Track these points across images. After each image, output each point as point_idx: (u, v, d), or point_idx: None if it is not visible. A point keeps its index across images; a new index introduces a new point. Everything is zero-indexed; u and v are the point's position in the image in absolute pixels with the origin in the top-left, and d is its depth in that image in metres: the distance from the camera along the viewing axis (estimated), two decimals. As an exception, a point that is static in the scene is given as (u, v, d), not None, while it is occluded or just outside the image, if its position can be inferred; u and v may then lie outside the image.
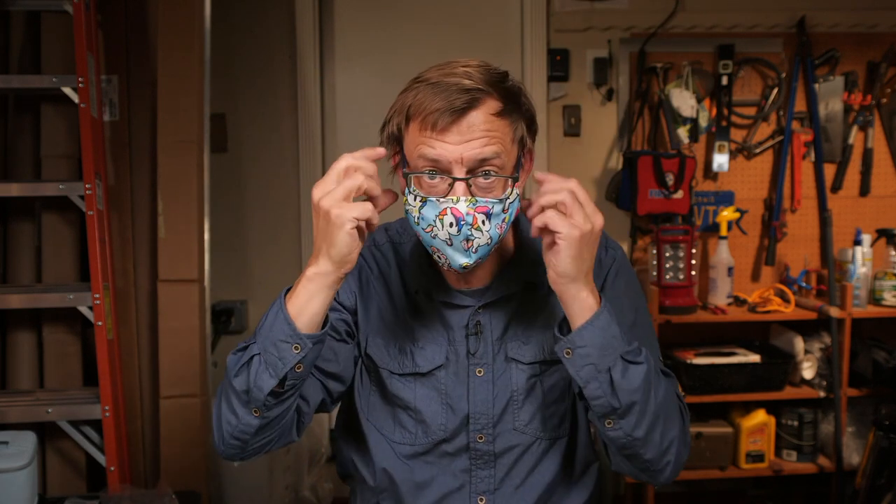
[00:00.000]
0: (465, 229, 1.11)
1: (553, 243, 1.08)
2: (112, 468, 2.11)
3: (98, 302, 2.10)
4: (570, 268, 1.08)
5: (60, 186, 2.13)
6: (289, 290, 1.13)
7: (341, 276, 1.10)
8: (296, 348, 1.10)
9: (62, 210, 2.32)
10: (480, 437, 1.26)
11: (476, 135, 1.11)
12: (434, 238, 1.13)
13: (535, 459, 1.28)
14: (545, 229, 1.09)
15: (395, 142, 1.19)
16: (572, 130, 3.13)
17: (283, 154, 3.11)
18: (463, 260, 1.13)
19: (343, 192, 1.07)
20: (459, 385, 1.26)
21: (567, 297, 1.10)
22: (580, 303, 1.09)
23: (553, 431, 1.28)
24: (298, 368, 1.11)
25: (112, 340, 2.16)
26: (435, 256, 1.17)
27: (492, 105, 1.12)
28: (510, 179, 1.15)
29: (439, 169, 1.12)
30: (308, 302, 1.10)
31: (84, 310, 2.14)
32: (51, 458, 2.32)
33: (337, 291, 1.14)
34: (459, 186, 1.11)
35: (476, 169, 1.12)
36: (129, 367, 2.41)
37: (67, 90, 2.13)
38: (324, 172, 1.08)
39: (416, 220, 1.15)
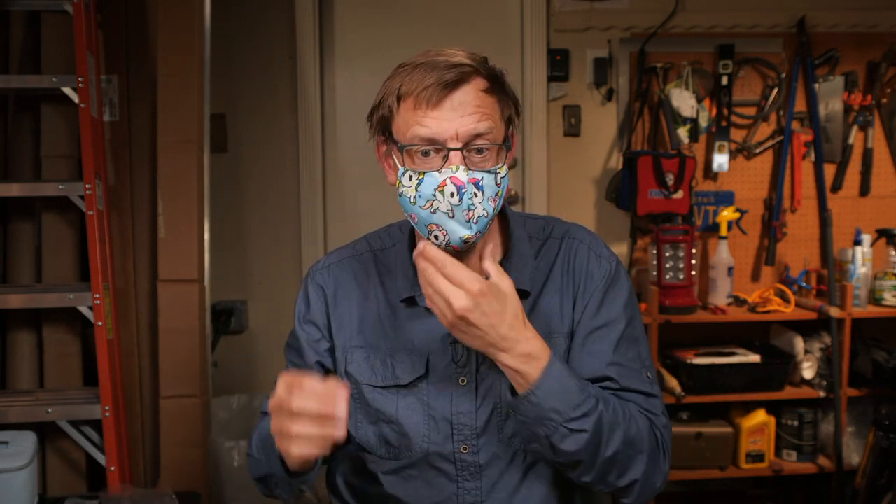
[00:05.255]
0: (465, 198, 1.12)
1: None
2: (112, 468, 2.10)
3: (98, 302, 2.10)
4: (471, 343, 1.10)
5: (60, 186, 2.13)
6: None
7: None
8: (293, 485, 1.24)
9: (62, 210, 2.32)
10: (465, 448, 1.23)
11: (469, 110, 1.13)
12: (434, 213, 1.13)
13: (522, 472, 1.24)
14: None
15: (384, 126, 1.19)
16: (572, 130, 3.13)
17: (283, 154, 3.11)
18: (464, 232, 1.13)
19: (296, 429, 1.03)
20: (442, 395, 1.24)
21: (498, 365, 1.12)
22: (508, 372, 1.11)
23: None
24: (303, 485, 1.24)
25: (112, 340, 2.16)
26: (432, 236, 1.16)
27: (480, 82, 1.15)
28: (504, 149, 1.17)
29: (434, 145, 1.14)
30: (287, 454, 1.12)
31: (84, 310, 2.14)
32: (51, 458, 2.32)
33: (306, 331, 1.32)
34: (456, 157, 1.12)
35: (470, 143, 1.13)
36: (129, 367, 2.41)
37: (67, 90, 2.13)
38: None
39: (412, 199, 1.15)
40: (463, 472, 1.24)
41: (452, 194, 1.12)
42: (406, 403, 1.25)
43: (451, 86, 1.12)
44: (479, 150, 1.14)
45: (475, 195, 1.12)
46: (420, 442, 1.24)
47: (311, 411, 1.01)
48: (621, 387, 1.21)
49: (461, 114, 1.12)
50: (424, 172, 1.13)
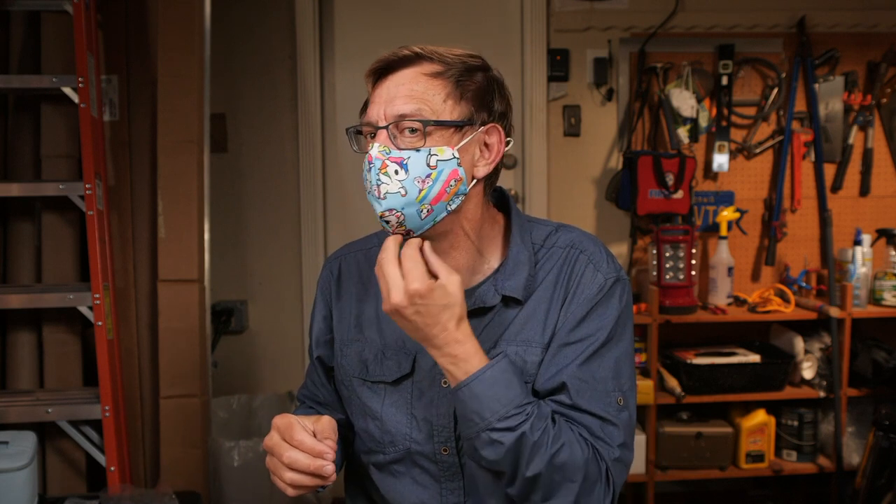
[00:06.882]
0: (373, 173, 1.13)
1: None
2: (112, 468, 2.11)
3: (98, 302, 2.10)
4: (405, 331, 1.13)
5: (60, 186, 2.13)
6: None
7: None
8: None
9: (62, 210, 2.32)
10: (445, 450, 1.23)
11: (401, 92, 1.14)
12: (370, 193, 1.15)
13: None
14: None
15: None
16: (572, 130, 3.13)
17: (283, 154, 3.11)
18: (377, 207, 1.14)
19: (288, 477, 1.11)
20: (425, 395, 1.24)
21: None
22: (443, 367, 1.14)
23: None
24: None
25: (112, 340, 2.16)
26: (376, 215, 1.18)
27: (427, 67, 1.16)
28: (453, 130, 1.15)
29: (371, 128, 1.17)
30: None
31: (84, 310, 2.14)
32: (51, 458, 2.32)
33: (315, 326, 1.36)
34: (380, 135, 1.15)
35: (397, 123, 1.14)
36: (129, 367, 2.41)
37: (67, 90, 2.13)
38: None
39: (364, 185, 1.17)
40: (445, 473, 1.25)
41: (368, 170, 1.14)
42: (391, 401, 1.26)
43: (393, 63, 1.16)
44: (412, 130, 1.14)
45: (396, 172, 1.12)
46: (402, 440, 1.25)
47: (300, 467, 1.09)
48: (573, 404, 1.16)
49: (393, 95, 1.14)
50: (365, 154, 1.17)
